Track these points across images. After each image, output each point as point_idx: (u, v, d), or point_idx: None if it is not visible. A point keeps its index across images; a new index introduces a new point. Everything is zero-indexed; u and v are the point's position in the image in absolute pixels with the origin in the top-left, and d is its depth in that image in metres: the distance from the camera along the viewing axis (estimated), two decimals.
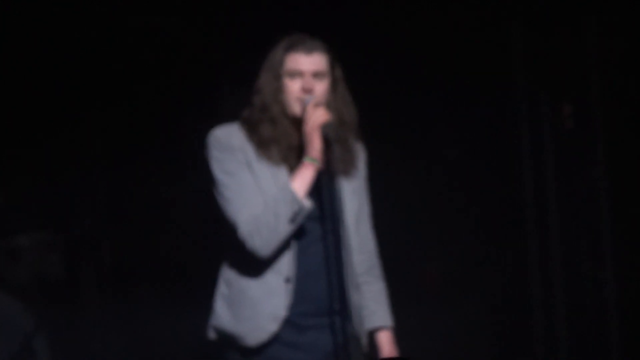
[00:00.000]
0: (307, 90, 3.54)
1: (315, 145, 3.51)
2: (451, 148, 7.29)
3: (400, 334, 3.83)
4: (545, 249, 7.01)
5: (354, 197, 3.69)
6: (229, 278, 3.61)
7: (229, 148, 3.57)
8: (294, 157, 3.58)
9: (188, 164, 4.27)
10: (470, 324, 7.22)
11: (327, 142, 3.51)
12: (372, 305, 3.75)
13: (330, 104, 3.61)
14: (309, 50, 3.56)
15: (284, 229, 3.48)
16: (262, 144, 3.56)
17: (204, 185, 3.68)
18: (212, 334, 3.64)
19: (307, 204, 3.47)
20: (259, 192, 3.53)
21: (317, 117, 3.50)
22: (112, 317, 7.44)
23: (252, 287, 3.56)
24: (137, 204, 7.33)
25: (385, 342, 3.77)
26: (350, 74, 3.79)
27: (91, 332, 7.22)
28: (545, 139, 6.97)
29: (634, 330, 6.77)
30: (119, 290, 7.46)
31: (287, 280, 3.53)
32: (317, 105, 3.53)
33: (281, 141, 3.57)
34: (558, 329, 6.97)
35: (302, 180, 3.51)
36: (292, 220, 3.48)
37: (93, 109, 7.45)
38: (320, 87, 3.57)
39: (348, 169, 3.67)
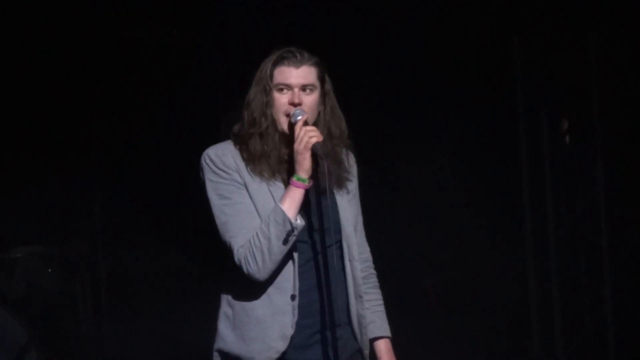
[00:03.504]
0: (294, 104, 3.52)
1: (305, 165, 3.46)
2: (450, 163, 7.29)
3: (400, 348, 3.80)
4: (544, 265, 7.00)
5: (350, 208, 3.67)
6: (231, 298, 3.55)
7: (224, 169, 3.51)
8: (285, 170, 3.56)
9: (187, 177, 4.23)
10: (469, 339, 7.21)
11: (317, 158, 3.48)
12: (370, 315, 3.72)
13: (319, 117, 3.59)
14: (298, 64, 3.52)
15: (278, 250, 3.44)
16: (253, 160, 3.53)
17: (202, 201, 3.63)
18: (217, 358, 3.59)
19: (299, 223, 3.43)
20: (255, 214, 3.50)
21: (309, 137, 3.47)
22: (107, 330, 7.42)
23: (257, 306, 3.49)
24: (133, 217, 7.31)
25: (384, 351, 3.75)
26: (352, 87, 3.75)
27: (86, 345, 7.19)
28: (544, 154, 6.96)
29: (633, 346, 6.75)
30: (114, 304, 7.44)
31: (293, 298, 3.50)
32: (306, 121, 3.50)
33: (271, 156, 3.53)
34: (557, 346, 6.95)
35: (292, 200, 3.46)
36: (285, 241, 3.44)
37: (91, 123, 7.45)
38: (309, 100, 3.54)
39: (340, 182, 3.65)
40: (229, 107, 3.44)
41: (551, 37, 6.84)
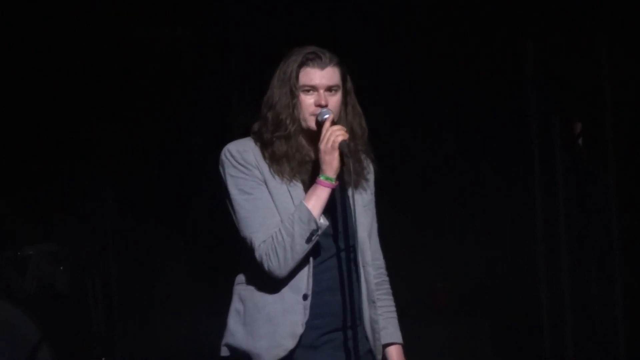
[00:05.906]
0: (320, 106, 3.53)
1: (333, 164, 3.47)
2: (461, 166, 7.28)
3: (410, 352, 3.80)
4: (555, 269, 6.98)
5: (366, 212, 3.67)
6: (243, 294, 3.56)
7: (245, 165, 3.52)
8: (306, 171, 3.56)
9: (198, 177, 4.24)
10: (479, 343, 7.20)
11: (342, 157, 3.48)
12: (382, 322, 3.72)
13: (342, 116, 3.59)
14: (323, 65, 3.52)
15: (301, 248, 3.45)
16: (275, 160, 3.54)
17: (214, 199, 3.63)
18: (225, 352, 3.60)
19: (323, 223, 3.45)
20: (275, 211, 3.51)
21: (336, 136, 3.47)
22: (118, 329, 7.43)
23: (269, 304, 3.49)
24: (144, 217, 7.33)
25: (396, 357, 3.73)
26: (360, 89, 3.76)
27: (97, 344, 7.20)
28: (556, 157, 6.96)
29: None
30: (125, 303, 7.46)
31: (305, 297, 3.51)
32: (333, 122, 3.51)
33: (295, 157, 3.54)
34: (567, 350, 6.94)
35: (317, 199, 3.47)
36: (309, 239, 3.45)
37: (102, 124, 7.47)
38: (334, 101, 3.55)
39: (360, 182, 3.65)
40: (240, 109, 3.44)
41: (563, 40, 6.84)
